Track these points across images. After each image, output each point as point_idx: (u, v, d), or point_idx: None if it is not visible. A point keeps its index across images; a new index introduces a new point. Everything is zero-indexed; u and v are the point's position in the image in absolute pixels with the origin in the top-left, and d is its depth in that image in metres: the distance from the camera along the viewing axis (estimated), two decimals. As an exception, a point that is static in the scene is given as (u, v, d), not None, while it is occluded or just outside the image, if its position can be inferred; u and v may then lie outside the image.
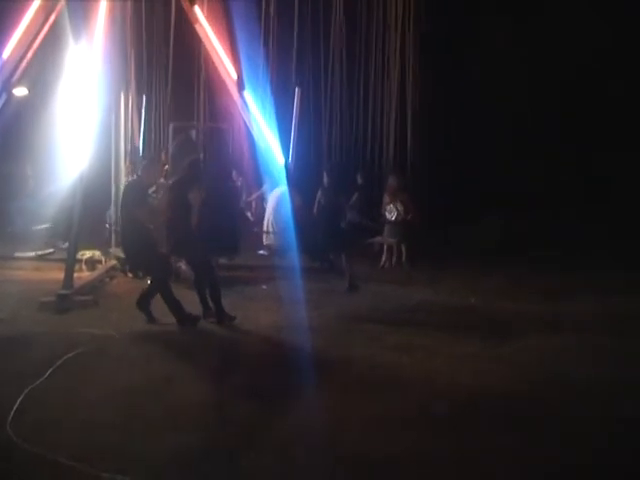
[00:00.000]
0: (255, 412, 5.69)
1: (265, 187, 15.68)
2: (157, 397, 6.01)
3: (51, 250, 12.96)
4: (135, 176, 10.93)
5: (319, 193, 12.10)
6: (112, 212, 12.91)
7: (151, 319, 8.67)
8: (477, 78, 16.99)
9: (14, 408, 5.51)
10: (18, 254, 12.76)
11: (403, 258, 13.38)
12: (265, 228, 13.83)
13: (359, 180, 13.69)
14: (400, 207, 13.44)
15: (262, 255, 13.49)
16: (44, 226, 13.21)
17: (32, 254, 12.73)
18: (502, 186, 16.35)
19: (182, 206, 8.65)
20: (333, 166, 13.48)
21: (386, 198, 13.71)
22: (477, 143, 17.15)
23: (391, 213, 13.54)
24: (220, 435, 5.26)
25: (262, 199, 16.03)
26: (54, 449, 4.76)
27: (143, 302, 8.72)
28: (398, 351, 7.53)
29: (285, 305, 9.59)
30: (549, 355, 7.49)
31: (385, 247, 13.65)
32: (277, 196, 13.72)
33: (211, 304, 8.87)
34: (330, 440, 5.11)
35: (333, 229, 11.18)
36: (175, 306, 8.54)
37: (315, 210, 12.15)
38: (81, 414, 5.53)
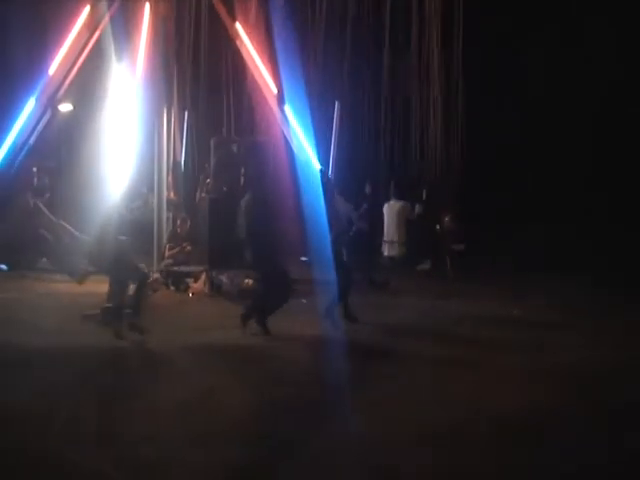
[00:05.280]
0: (293, 425, 5.70)
1: None
2: (199, 410, 6.05)
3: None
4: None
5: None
6: None
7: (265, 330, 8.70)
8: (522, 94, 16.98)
9: (63, 419, 5.60)
10: None
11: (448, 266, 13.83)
12: (387, 238, 13.98)
13: (367, 190, 13.78)
14: (454, 220, 14.04)
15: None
16: None
17: None
18: (545, 198, 16.26)
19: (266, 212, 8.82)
20: (397, 181, 13.98)
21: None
22: (519, 157, 17.09)
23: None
24: (259, 449, 5.27)
25: None
26: (102, 461, 4.82)
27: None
28: (439, 365, 7.50)
29: (324, 319, 9.58)
30: (594, 370, 7.36)
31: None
32: (398, 208, 13.87)
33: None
34: (366, 453, 5.08)
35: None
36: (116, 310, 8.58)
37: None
38: (125, 426, 5.59)
